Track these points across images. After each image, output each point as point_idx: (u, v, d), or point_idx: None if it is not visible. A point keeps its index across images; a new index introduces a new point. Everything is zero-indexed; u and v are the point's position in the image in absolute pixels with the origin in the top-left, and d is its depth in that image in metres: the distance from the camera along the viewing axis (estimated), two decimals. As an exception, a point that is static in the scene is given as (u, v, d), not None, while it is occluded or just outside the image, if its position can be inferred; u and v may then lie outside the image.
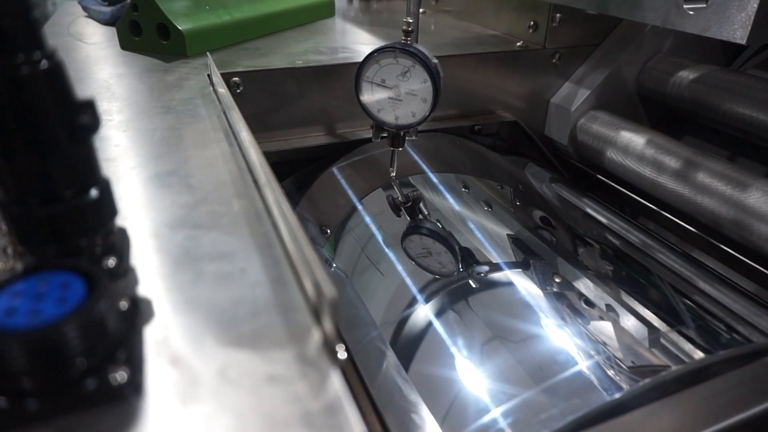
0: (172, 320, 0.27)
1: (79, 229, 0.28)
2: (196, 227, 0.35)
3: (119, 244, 0.31)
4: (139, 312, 0.27)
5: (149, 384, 0.23)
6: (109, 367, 0.23)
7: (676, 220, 0.76)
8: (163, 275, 0.31)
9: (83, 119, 0.26)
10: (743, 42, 0.50)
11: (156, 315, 0.28)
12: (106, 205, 0.29)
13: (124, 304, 0.26)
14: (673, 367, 0.41)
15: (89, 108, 0.27)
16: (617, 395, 0.38)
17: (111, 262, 0.30)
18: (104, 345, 0.23)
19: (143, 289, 0.30)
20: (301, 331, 0.26)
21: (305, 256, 0.27)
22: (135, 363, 0.24)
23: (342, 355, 0.26)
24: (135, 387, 0.23)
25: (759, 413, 0.35)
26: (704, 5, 0.53)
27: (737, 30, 0.51)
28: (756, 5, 0.49)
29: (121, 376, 0.22)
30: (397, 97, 0.57)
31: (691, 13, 0.54)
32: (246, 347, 0.25)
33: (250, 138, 0.41)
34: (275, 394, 0.23)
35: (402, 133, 0.60)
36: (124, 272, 0.30)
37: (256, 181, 0.40)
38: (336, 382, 0.23)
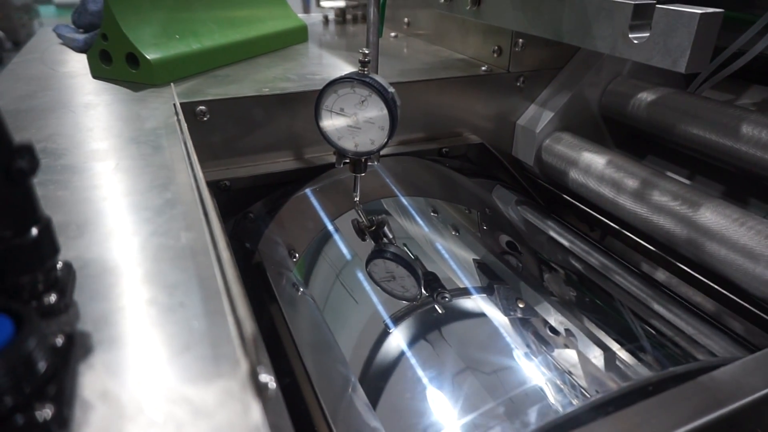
0: (107, 355, 0.28)
1: (18, 267, 0.29)
2: (144, 260, 0.36)
3: (63, 279, 0.32)
4: (74, 347, 0.28)
5: (76, 419, 0.24)
6: (37, 404, 0.23)
7: (638, 240, 0.78)
8: (107, 310, 0.32)
9: (20, 163, 0.27)
10: (683, 70, 0.52)
11: (94, 349, 0.29)
12: (47, 244, 0.30)
13: (59, 340, 0.27)
14: (614, 387, 0.42)
15: (27, 152, 0.28)
16: (558, 415, 0.40)
17: (52, 298, 0.31)
18: (32, 382, 0.24)
19: (85, 324, 0.31)
20: (229, 363, 0.27)
21: (231, 293, 0.28)
22: (63, 399, 0.24)
23: (272, 385, 0.27)
24: (61, 423, 0.24)
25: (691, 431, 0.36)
26: (647, 35, 0.55)
27: (677, 59, 0.53)
28: (693, 36, 0.51)
29: (46, 412, 0.23)
30: (355, 125, 0.59)
31: (635, 42, 0.57)
32: (175, 380, 0.26)
33: (198, 170, 0.42)
34: (198, 428, 0.24)
35: (363, 159, 0.62)
36: (65, 307, 0.31)
37: (206, 214, 0.41)
38: (256, 414, 0.24)
